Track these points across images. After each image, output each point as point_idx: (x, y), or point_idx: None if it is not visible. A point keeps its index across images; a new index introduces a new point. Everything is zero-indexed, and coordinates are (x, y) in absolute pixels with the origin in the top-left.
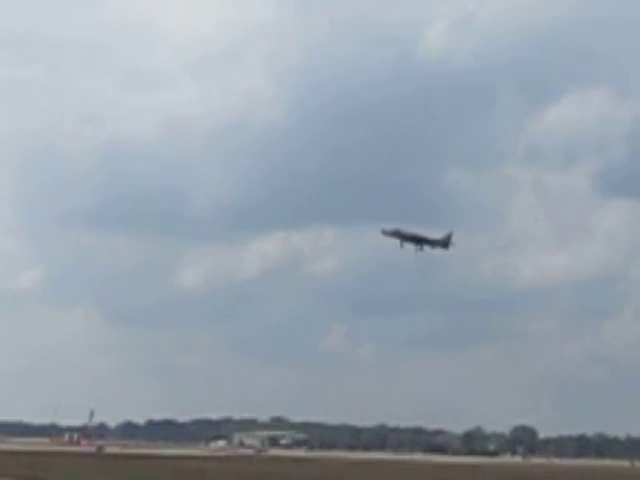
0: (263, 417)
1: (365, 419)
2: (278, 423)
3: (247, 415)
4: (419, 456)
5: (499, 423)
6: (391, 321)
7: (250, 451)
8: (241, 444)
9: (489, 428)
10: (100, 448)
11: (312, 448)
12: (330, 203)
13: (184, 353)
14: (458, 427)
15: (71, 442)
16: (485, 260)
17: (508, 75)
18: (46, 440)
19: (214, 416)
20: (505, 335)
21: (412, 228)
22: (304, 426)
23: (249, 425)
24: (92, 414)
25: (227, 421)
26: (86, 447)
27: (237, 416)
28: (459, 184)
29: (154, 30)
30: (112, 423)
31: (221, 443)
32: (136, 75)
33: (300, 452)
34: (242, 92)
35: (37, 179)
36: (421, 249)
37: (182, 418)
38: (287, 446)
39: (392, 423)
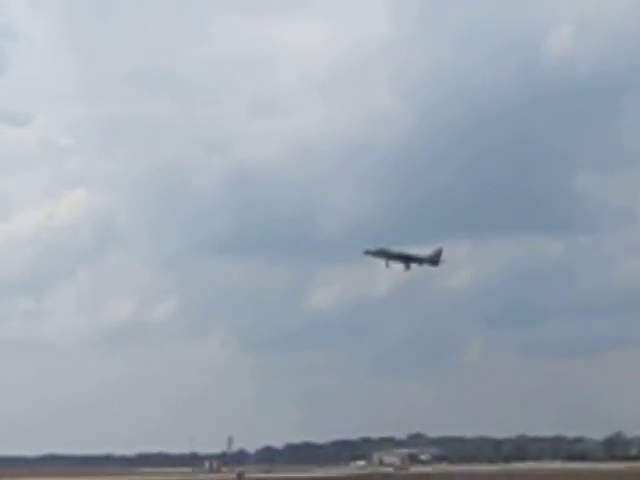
0: (401, 435)
1: (504, 430)
2: (416, 440)
3: (385, 433)
4: (560, 464)
5: None
6: (526, 331)
7: (390, 469)
8: (381, 463)
9: (630, 433)
10: (240, 475)
11: (452, 463)
12: (462, 216)
13: (320, 375)
14: (598, 433)
15: (211, 470)
16: (618, 263)
17: (635, 76)
18: (187, 470)
19: (352, 436)
20: None
21: (398, 247)
22: (443, 441)
23: (387, 443)
24: (231, 441)
25: (365, 441)
26: (226, 474)
27: (375, 435)
28: (589, 188)
29: (279, 56)
30: (251, 449)
31: (361, 463)
32: (262, 101)
33: (441, 467)
34: (369, 111)
35: (169, 211)
36: (408, 267)
37: (320, 440)
38: (427, 462)
39: (531, 433)
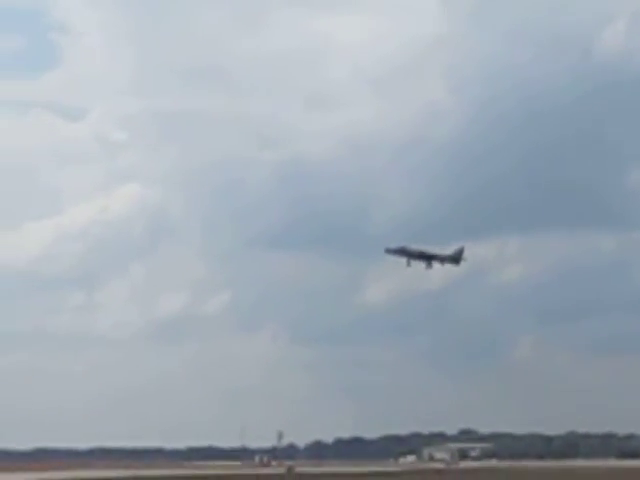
0: (451, 430)
1: (554, 427)
2: (467, 435)
3: (435, 429)
4: (612, 462)
5: None
6: (578, 327)
7: (440, 465)
8: (431, 458)
9: None
10: (290, 469)
11: (502, 459)
12: (514, 212)
13: (370, 369)
14: None
15: (261, 464)
16: None
17: None
18: (237, 463)
19: (402, 431)
20: None
21: (418, 245)
22: (493, 437)
23: (437, 439)
24: (281, 435)
25: (415, 436)
26: (276, 468)
27: (425, 430)
28: None
29: (331, 51)
30: (301, 443)
31: (410, 458)
32: (315, 96)
33: (491, 463)
34: (422, 106)
35: (222, 205)
36: (430, 266)
37: (370, 435)
38: (477, 458)
39: (582, 430)
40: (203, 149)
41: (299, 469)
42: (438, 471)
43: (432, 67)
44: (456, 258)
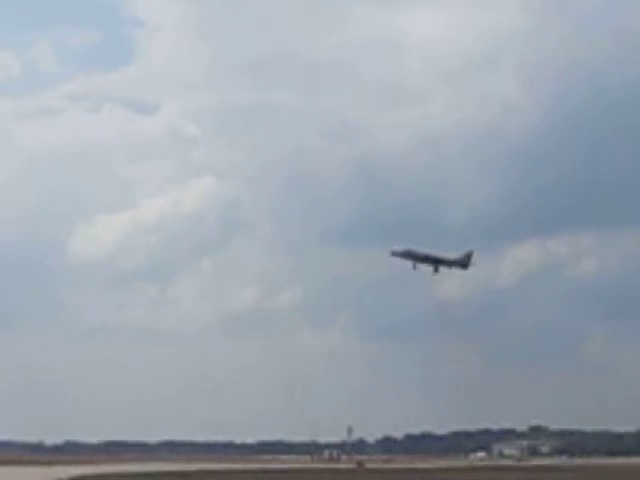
0: (521, 426)
1: (625, 424)
2: (537, 432)
3: (505, 425)
4: None
5: None
6: None
7: (510, 461)
8: (501, 454)
9: None
10: (360, 464)
11: (573, 455)
12: (588, 206)
13: (440, 365)
14: None
15: (331, 459)
16: None
17: None
18: (307, 458)
19: (472, 427)
20: None
21: (424, 248)
22: (563, 434)
23: (507, 435)
24: (350, 430)
25: (485, 432)
26: (346, 463)
27: (495, 427)
28: None
29: (403, 44)
30: (371, 438)
31: (480, 454)
32: (388, 89)
33: (561, 460)
34: (495, 99)
35: (295, 199)
36: (437, 270)
37: (440, 431)
38: (547, 455)
39: None
40: (276, 143)
41: (368, 464)
42: (508, 467)
43: (506, 60)
44: (464, 262)
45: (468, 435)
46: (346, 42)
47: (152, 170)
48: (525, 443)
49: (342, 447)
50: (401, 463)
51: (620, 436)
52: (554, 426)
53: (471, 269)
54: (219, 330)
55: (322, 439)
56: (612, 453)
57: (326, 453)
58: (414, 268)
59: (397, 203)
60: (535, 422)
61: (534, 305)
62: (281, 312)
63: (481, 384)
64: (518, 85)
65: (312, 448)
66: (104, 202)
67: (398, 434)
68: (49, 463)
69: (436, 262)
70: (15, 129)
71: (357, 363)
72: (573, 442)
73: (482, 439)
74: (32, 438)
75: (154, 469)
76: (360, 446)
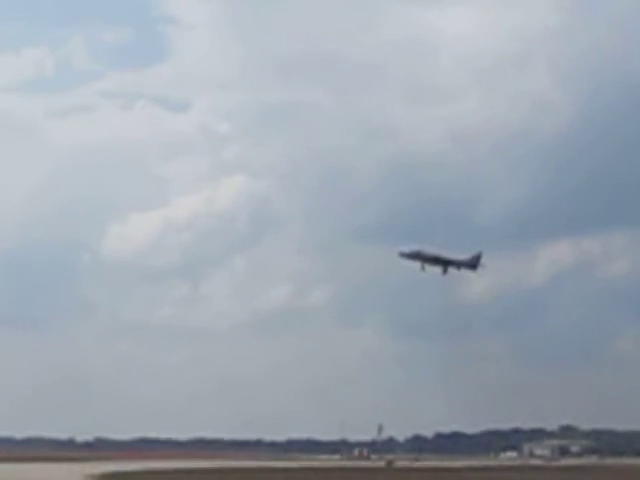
0: (552, 426)
1: None
2: (567, 431)
3: (536, 425)
4: None
5: None
6: None
7: (540, 461)
8: (531, 454)
9: None
10: (390, 462)
11: (603, 455)
12: (620, 205)
13: (471, 364)
14: None
15: (361, 457)
16: None
17: None
18: (336, 456)
19: (502, 427)
20: None
21: (433, 249)
22: (594, 433)
23: (538, 435)
24: (381, 429)
25: (516, 431)
26: (375, 462)
27: (526, 426)
28: None
29: (436, 42)
30: (401, 437)
31: (510, 454)
32: (421, 87)
33: (592, 460)
34: (527, 98)
35: (327, 197)
36: (445, 271)
37: (470, 430)
38: (578, 454)
39: None
40: (308, 141)
41: (398, 463)
42: (538, 467)
43: (538, 58)
44: (473, 264)
45: (498, 434)
46: (379, 40)
47: (184, 168)
48: (556, 443)
49: (372, 446)
50: (430, 462)
51: None
52: (585, 426)
53: (503, 268)
54: (250, 328)
55: (352, 437)
56: None
57: (356, 451)
58: (422, 269)
59: (429, 201)
60: (566, 422)
61: (566, 304)
62: (312, 310)
63: (512, 383)
64: (550, 83)
65: (342, 446)
66: (137, 200)
67: (428, 433)
68: (80, 460)
69: (445, 263)
70: (48, 126)
71: (388, 362)
72: (604, 442)
73: (512, 438)
74: (63, 435)
75: (185, 466)
76: (390, 445)
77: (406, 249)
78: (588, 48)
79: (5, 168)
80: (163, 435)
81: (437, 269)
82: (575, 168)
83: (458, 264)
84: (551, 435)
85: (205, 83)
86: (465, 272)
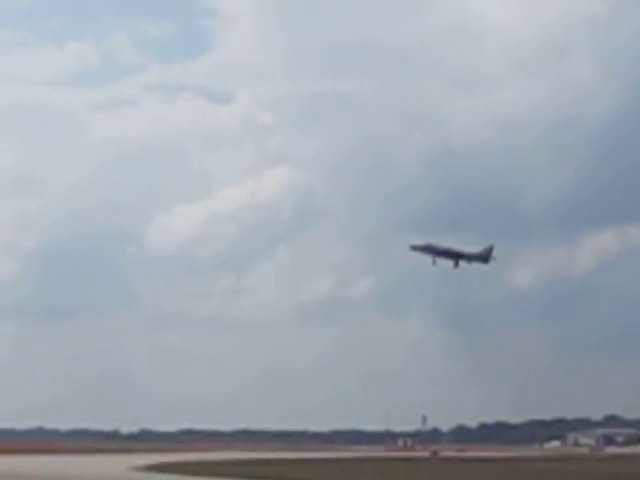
0: (597, 416)
1: None
2: (612, 421)
3: (580, 414)
4: None
5: None
6: None
7: (585, 450)
8: (576, 444)
9: None
10: (434, 453)
11: None
12: None
13: (516, 354)
14: None
15: (405, 448)
16: None
17: None
18: (381, 447)
19: (547, 417)
20: None
21: (444, 242)
22: (639, 423)
23: (582, 424)
24: (425, 419)
25: (560, 421)
26: (420, 452)
27: (570, 416)
28: None
29: (480, 31)
30: (445, 427)
31: (555, 443)
32: (464, 76)
33: (637, 449)
34: (571, 87)
35: (371, 188)
36: (457, 265)
37: (514, 420)
38: (623, 444)
39: None
40: (352, 131)
41: (443, 453)
42: (582, 457)
43: (582, 46)
44: (485, 256)
45: (543, 424)
46: (423, 28)
47: (228, 160)
48: (600, 432)
49: (416, 436)
50: (475, 452)
51: None
52: (629, 415)
53: (548, 257)
54: (294, 319)
55: (396, 428)
56: None
57: (400, 442)
58: (434, 263)
59: (473, 191)
60: (610, 411)
61: (611, 293)
62: (356, 301)
63: (556, 373)
64: (594, 71)
65: (386, 437)
66: (181, 192)
67: (472, 423)
68: (125, 451)
69: (456, 256)
70: (92, 120)
71: (431, 352)
72: None
73: (557, 428)
74: (108, 426)
75: (231, 457)
76: (434, 435)
77: (418, 242)
78: (632, 36)
79: (50, 162)
80: (207, 426)
81: (448, 262)
82: (620, 156)
83: (469, 257)
84: (596, 425)
85: (248, 74)
86: (476, 265)
